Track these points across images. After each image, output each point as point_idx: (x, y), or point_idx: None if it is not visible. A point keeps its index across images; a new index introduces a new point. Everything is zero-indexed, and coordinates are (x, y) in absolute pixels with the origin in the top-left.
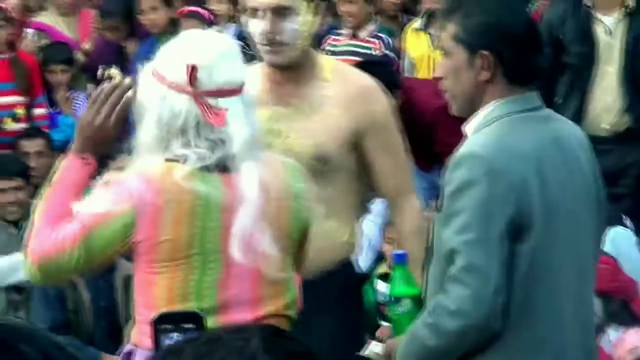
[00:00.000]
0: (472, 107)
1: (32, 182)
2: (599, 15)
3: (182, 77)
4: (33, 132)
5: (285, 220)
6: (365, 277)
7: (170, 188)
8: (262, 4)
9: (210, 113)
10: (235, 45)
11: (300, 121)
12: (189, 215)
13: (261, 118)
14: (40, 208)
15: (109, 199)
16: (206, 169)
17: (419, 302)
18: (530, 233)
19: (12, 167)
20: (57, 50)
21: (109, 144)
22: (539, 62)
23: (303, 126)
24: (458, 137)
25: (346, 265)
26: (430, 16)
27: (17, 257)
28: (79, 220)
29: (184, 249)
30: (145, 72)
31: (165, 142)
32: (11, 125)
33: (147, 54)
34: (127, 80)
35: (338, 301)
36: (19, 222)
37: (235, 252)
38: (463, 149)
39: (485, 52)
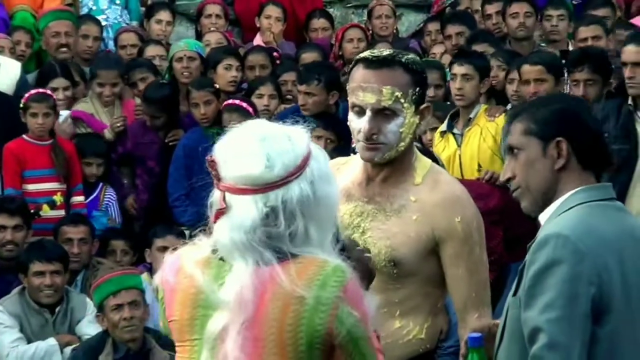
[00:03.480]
0: (545, 199)
1: (71, 268)
2: None
3: None
4: (77, 218)
5: (288, 326)
6: None
7: (183, 271)
8: (365, 104)
9: (220, 207)
10: (265, 143)
11: (380, 221)
12: (192, 300)
13: (346, 210)
14: None
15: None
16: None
17: None
18: (610, 317)
19: (52, 251)
20: (93, 143)
21: None
22: (608, 149)
23: (381, 227)
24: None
25: (416, 359)
26: (452, 117)
27: (51, 342)
28: None
29: (188, 331)
30: None
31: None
32: (48, 212)
33: (193, 143)
34: None
35: None
36: (55, 307)
37: (203, 354)
38: (548, 229)
39: (560, 139)
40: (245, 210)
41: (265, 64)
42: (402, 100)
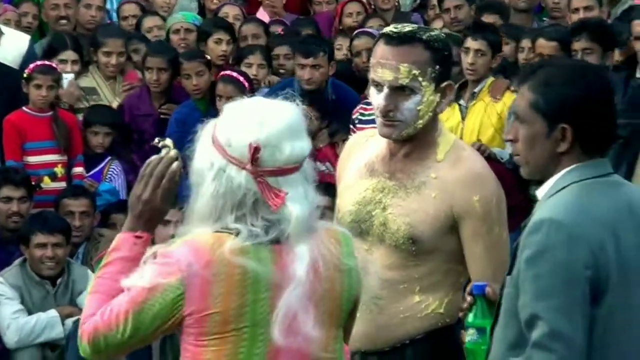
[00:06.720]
0: (544, 173)
1: (73, 241)
2: None
3: (244, 154)
4: (78, 191)
5: (337, 296)
6: None
7: (219, 260)
8: (382, 80)
9: (270, 194)
10: (300, 117)
11: (400, 198)
12: (238, 287)
13: (368, 185)
14: (93, 287)
15: (156, 271)
16: (258, 243)
17: (484, 333)
18: (606, 297)
19: (54, 223)
20: (100, 112)
21: (161, 218)
22: (614, 131)
23: (401, 203)
24: None
25: (434, 333)
26: (461, 87)
27: (52, 313)
28: (128, 296)
29: (234, 321)
30: (205, 139)
31: (218, 213)
32: (49, 184)
33: (185, 117)
34: (173, 152)
35: None
36: (56, 279)
37: (275, 333)
38: (541, 213)
39: (566, 126)
40: (303, 187)
41: (257, 34)
42: (420, 79)
